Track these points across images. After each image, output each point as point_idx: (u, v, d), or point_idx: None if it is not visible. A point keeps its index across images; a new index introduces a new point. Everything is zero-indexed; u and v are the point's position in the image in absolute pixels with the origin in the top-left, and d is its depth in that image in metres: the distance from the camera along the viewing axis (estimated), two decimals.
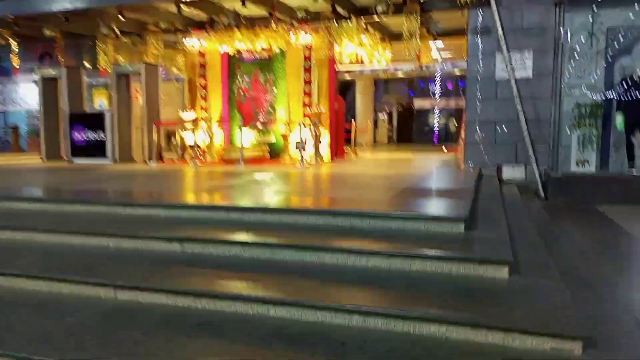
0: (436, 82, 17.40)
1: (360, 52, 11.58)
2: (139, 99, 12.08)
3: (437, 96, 11.61)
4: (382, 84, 23.64)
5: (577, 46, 8.23)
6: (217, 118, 11.65)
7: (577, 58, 8.24)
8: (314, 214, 4.36)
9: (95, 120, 11.12)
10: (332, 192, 6.04)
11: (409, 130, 22.80)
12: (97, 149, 11.03)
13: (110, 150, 10.96)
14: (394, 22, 12.93)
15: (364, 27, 11.95)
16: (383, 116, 25.81)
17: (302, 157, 9.72)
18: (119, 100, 11.02)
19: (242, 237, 4.04)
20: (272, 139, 11.50)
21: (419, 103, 26.69)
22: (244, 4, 9.46)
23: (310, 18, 9.03)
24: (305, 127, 10.32)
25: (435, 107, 11.92)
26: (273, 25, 10.34)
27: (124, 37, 12.62)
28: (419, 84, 28.02)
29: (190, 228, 4.40)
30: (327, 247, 3.71)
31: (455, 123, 27.82)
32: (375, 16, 11.51)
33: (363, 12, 11.04)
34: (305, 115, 10.97)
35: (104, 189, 6.55)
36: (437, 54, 13.87)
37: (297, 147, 10.49)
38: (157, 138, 10.73)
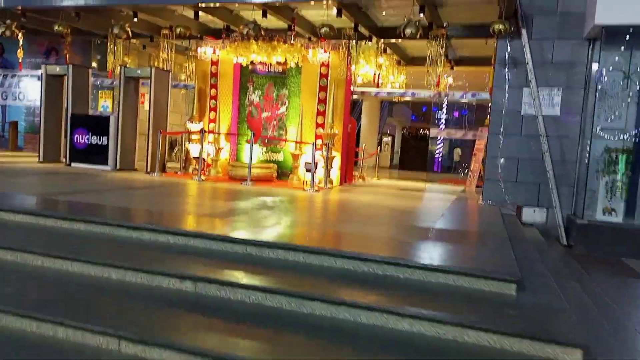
0: (443, 109, 17.03)
1: (376, 73, 11.23)
2: (145, 105, 11.65)
3: (442, 124, 11.32)
4: (387, 106, 23.35)
5: (608, 86, 7.88)
6: (225, 131, 11.22)
7: (608, 99, 7.88)
8: (345, 257, 3.90)
9: (99, 124, 10.64)
10: (352, 226, 5.58)
11: (412, 155, 22.51)
12: (98, 154, 10.54)
13: (112, 156, 10.47)
14: (413, 46, 12.66)
15: (382, 48, 11.63)
16: (387, 139, 25.51)
17: (312, 179, 9.27)
18: (125, 105, 10.56)
19: (264, 281, 3.57)
20: (281, 157, 11.06)
21: (423, 129, 26.46)
22: (265, 15, 9.08)
23: (332, 35, 8.64)
24: (317, 148, 9.91)
25: (440, 135, 11.51)
26: (291, 38, 9.97)
27: (135, 39, 12.22)
28: (422, 109, 27.85)
29: (204, 263, 3.93)
30: (361, 304, 3.24)
31: (460, 152, 27.63)
32: (396, 39, 11.21)
33: (384, 33, 10.72)
34: (317, 136, 10.56)
35: (106, 203, 6.06)
36: (451, 81, 13.58)
37: (307, 169, 10.06)
38: (162, 148, 10.25)
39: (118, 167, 10.46)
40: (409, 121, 27.31)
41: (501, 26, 7.57)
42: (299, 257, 4.00)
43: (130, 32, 9.98)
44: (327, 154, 9.93)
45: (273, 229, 4.95)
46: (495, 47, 8.80)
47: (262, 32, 8.87)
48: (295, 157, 10.43)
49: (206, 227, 4.85)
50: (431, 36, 8.84)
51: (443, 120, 10.83)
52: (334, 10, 8.70)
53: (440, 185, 14.15)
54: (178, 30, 9.25)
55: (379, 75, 11.35)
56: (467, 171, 22.91)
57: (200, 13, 9.59)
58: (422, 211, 7.32)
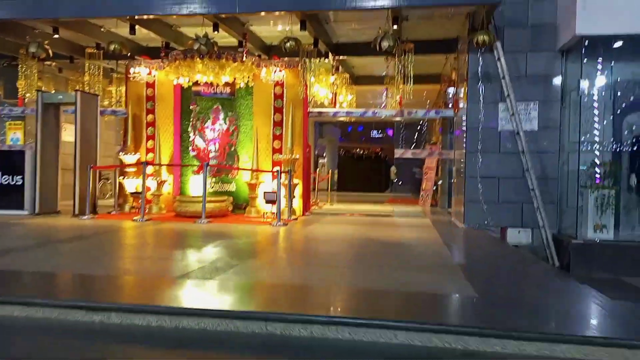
0: (401, 128, 16.72)
1: (334, 93, 10.46)
2: (66, 135, 10.00)
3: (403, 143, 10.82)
4: (318, 126, 22.75)
5: (589, 98, 7.62)
6: (167, 161, 9.85)
7: (589, 111, 7.62)
8: (418, 330, 2.92)
9: (11, 160, 8.89)
10: (373, 276, 4.60)
11: (352, 176, 22.10)
12: (11, 196, 8.75)
13: (30, 198, 8.74)
14: (359, 64, 12.07)
15: (336, 66, 10.91)
16: (323, 160, 24.87)
17: (277, 211, 8.20)
18: (44, 136, 8.91)
19: None
20: (233, 188, 9.88)
21: (359, 148, 26.24)
22: (216, 29, 7.98)
23: (294, 50, 7.73)
24: (276, 175, 8.88)
25: (404, 155, 10.96)
26: (242, 56, 8.93)
27: (51, 60, 10.57)
28: (347, 129, 27.69)
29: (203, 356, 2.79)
30: None
31: (395, 171, 27.59)
32: (350, 56, 10.52)
33: (342, 49, 9.99)
34: (275, 163, 9.53)
35: (43, 268, 4.61)
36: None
37: (267, 200, 8.96)
38: (92, 186, 8.70)
39: (37, 210, 8.74)
40: (338, 141, 27.01)
41: (485, 37, 7.07)
42: (343, 333, 2.97)
43: (50, 51, 8.42)
44: (290, 181, 8.92)
45: (280, 291, 3.88)
46: (466, 62, 8.28)
47: (216, 48, 7.75)
48: (252, 186, 9.29)
49: (191, 298, 3.67)
50: (399, 51, 8.21)
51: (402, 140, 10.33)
52: (295, 25, 7.79)
53: (397, 206, 13.56)
54: (112, 47, 7.88)
55: (335, 94, 10.56)
56: (419, 190, 22.76)
57: (135, 29, 8.27)
58: (419, 243, 6.51)
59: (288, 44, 7.50)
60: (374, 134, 30.93)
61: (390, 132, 28.07)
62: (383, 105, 12.40)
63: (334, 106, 10.62)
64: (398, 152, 10.49)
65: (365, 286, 4.11)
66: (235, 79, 9.29)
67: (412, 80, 8.89)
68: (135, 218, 8.23)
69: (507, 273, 5.16)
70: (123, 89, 12.00)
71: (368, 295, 3.86)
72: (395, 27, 7.14)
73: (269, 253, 5.85)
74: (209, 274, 4.28)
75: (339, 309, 3.62)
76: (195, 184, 9.95)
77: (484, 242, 7.13)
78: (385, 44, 6.99)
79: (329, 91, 11.36)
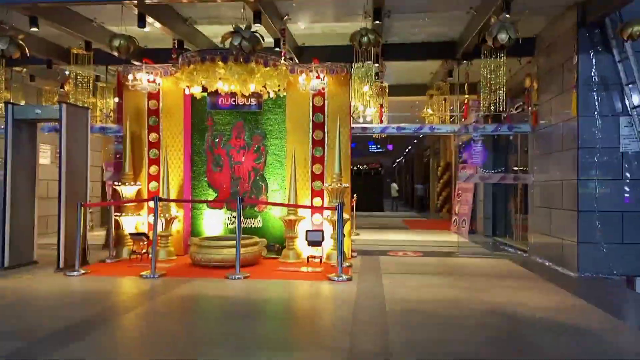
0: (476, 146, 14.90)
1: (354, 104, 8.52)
2: (44, 157, 7.80)
3: (477, 161, 9.14)
4: None
5: None
6: (175, 193, 7.74)
7: None
8: None
9: None
10: None
11: (363, 195, 20.33)
12: None
13: None
14: (400, 70, 10.22)
15: (379, 72, 9.00)
16: None
17: (339, 262, 6.21)
18: (16, 163, 6.70)
19: None
20: (258, 223, 7.83)
21: (357, 164, 24.36)
22: (258, 20, 5.98)
23: (364, 47, 5.75)
24: (316, 209, 6.91)
25: (472, 176, 9.07)
26: (281, 58, 6.96)
27: (20, 66, 8.37)
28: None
29: None
30: None
31: (397, 188, 25.81)
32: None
33: (391, 52, 8.01)
34: (314, 193, 7.55)
35: None
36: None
37: (310, 242, 6.96)
38: (83, 229, 6.51)
39: (7, 263, 6.50)
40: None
41: (636, 27, 5.27)
42: None
43: (27, 50, 6.23)
44: (340, 218, 6.94)
45: None
46: (577, 64, 6.49)
47: (260, 47, 5.70)
48: (290, 224, 7.26)
49: None
50: (484, 52, 6.40)
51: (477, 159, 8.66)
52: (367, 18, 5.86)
53: (428, 233, 11.75)
54: (116, 43, 5.76)
55: (381, 106, 8.66)
56: (424, 207, 20.75)
57: (145, 20, 6.18)
58: (578, 322, 4.62)
59: (365, 38, 5.53)
60: (373, 148, 29.19)
61: (390, 147, 26.37)
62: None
63: (380, 120, 8.69)
64: (462, 177, 8.60)
65: None
66: (263, 87, 7.30)
67: (490, 87, 7.11)
68: (143, 274, 6.07)
69: None
70: (111, 100, 9.91)
71: None
72: (507, 15, 5.27)
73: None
74: None
75: None
76: (211, 221, 7.88)
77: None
78: (503, 37, 5.11)
79: (358, 102, 9.47)
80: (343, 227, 6.12)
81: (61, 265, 6.37)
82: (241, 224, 7.83)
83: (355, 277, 6.08)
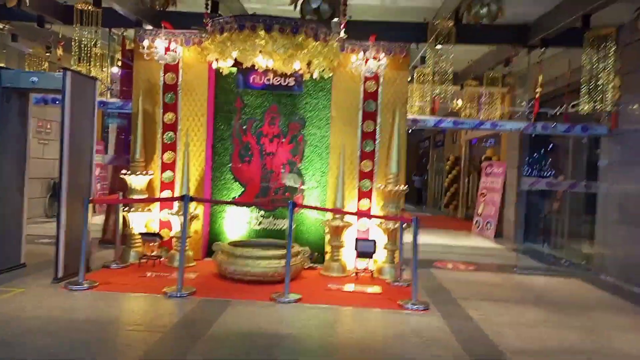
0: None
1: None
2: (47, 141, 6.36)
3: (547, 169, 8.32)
4: None
5: None
6: (194, 185, 6.47)
7: None
8: None
9: None
10: None
11: None
12: None
13: None
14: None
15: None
16: None
17: (414, 286, 5.14)
18: (3, 142, 5.32)
19: None
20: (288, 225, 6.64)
21: None
22: None
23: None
24: (361, 212, 5.80)
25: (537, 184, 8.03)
26: (340, 29, 5.75)
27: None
28: None
29: None
30: None
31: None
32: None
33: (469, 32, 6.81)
34: (361, 194, 6.42)
35: None
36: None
37: (361, 253, 5.87)
38: (89, 233, 5.20)
39: None
40: None
41: None
42: None
43: None
44: (402, 226, 5.85)
45: None
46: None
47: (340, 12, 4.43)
48: (337, 231, 6.10)
49: None
50: (590, 40, 5.32)
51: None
52: None
53: (446, 235, 10.83)
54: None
55: (436, 98, 7.53)
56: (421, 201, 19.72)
57: None
58: None
59: (485, 10, 4.37)
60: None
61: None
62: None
63: (435, 112, 7.57)
64: (527, 183, 7.59)
65: None
66: (307, 66, 6.08)
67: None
68: (168, 291, 4.83)
69: None
70: (108, 70, 8.48)
71: None
72: None
73: None
74: None
75: None
76: (236, 221, 6.66)
77: None
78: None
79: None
80: (417, 241, 5.01)
81: (60, 273, 5.06)
82: (268, 226, 6.75)
83: (428, 302, 5.01)
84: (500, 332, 4.21)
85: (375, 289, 5.47)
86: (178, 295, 4.79)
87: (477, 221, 11.95)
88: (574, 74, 7.47)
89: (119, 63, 8.58)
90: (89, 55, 7.86)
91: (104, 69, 8.34)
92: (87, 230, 4.96)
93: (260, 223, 6.69)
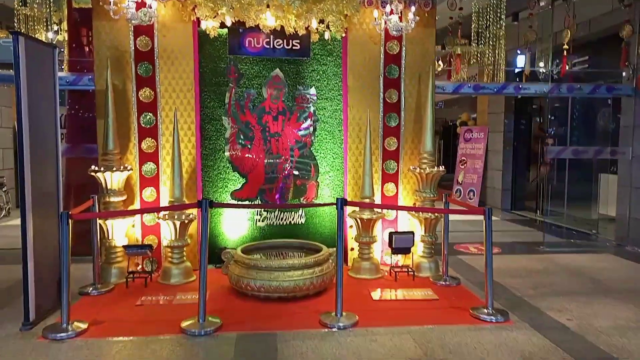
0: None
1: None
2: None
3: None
4: None
5: None
6: (183, 177, 5.18)
7: None
8: None
9: None
10: None
11: None
12: None
13: None
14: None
15: None
16: None
17: (489, 299, 4.30)
18: None
19: None
20: (301, 219, 5.59)
21: None
22: None
23: None
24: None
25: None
26: None
27: None
28: None
29: None
30: None
31: None
32: None
33: None
34: (385, 177, 5.47)
35: None
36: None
37: (396, 249, 5.00)
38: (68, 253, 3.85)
39: None
40: None
41: None
42: None
43: None
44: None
45: None
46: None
47: None
48: (367, 224, 5.12)
49: None
50: None
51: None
52: None
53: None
54: None
55: (451, 57, 6.59)
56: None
57: None
58: None
59: None
60: None
61: None
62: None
63: (457, 71, 6.66)
64: (553, 151, 6.95)
65: None
66: (321, 23, 4.94)
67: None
68: (187, 328, 3.65)
69: None
70: (44, 34, 6.84)
71: None
72: None
73: None
74: None
75: None
76: (235, 218, 5.47)
77: None
78: None
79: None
80: (491, 238, 4.15)
81: (31, 316, 3.71)
82: (275, 221, 5.64)
83: (502, 308, 4.21)
84: (615, 344, 3.49)
85: (429, 293, 4.61)
86: (202, 333, 3.64)
87: (457, 190, 11.44)
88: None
89: (56, 27, 6.88)
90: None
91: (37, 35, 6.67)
92: (67, 256, 3.62)
93: (264, 219, 5.56)
